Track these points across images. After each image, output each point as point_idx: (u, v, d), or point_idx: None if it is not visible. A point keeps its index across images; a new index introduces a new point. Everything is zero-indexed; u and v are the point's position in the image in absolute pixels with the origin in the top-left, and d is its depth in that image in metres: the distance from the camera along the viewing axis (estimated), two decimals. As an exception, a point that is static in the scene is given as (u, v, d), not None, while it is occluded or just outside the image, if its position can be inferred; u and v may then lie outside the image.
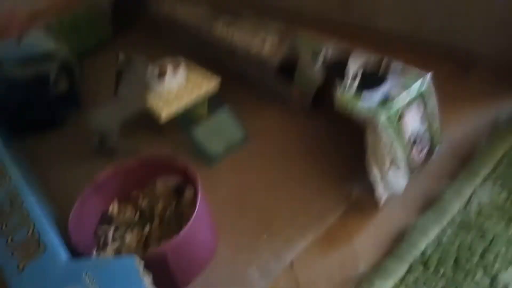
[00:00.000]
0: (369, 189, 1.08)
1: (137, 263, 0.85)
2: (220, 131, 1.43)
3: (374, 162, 1.03)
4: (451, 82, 1.35)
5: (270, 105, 1.53)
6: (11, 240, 1.00)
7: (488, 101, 1.30)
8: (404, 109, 1.01)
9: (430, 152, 1.14)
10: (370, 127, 0.99)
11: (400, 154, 1.04)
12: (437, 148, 1.17)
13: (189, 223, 0.97)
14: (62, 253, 0.92)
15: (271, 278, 1.04)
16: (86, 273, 0.85)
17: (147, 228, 1.14)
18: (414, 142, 1.08)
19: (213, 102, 1.45)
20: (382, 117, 0.98)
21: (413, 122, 1.06)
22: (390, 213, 1.10)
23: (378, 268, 0.96)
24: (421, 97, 1.05)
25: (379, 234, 1.06)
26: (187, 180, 1.18)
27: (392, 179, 1.05)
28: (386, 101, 1.01)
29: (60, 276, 0.86)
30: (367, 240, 1.05)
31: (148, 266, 0.87)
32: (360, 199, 1.12)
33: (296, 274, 1.03)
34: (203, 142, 1.40)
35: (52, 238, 0.96)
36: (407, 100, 1.01)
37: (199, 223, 1.04)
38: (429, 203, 1.07)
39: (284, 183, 1.26)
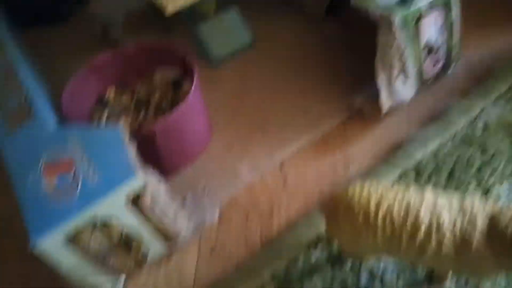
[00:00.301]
0: (375, 99, 1.04)
1: (123, 133, 0.84)
2: (226, 32, 1.36)
3: (382, 66, 0.98)
4: (480, 1, 1.25)
5: (282, 10, 1.46)
6: (4, 106, 1.00)
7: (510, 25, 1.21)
8: (424, 12, 0.94)
9: (445, 67, 1.09)
10: (383, 26, 0.93)
11: (411, 61, 0.99)
12: (453, 65, 1.11)
13: (181, 106, 0.95)
14: (51, 121, 0.91)
15: (259, 174, 1.03)
16: (73, 139, 0.84)
17: (141, 115, 1.13)
18: (429, 51, 1.02)
19: (222, 0, 1.37)
20: (398, 16, 0.91)
21: (431, 30, 0.99)
22: (392, 124, 1.06)
23: (369, 172, 0.95)
24: (445, 4, 0.97)
25: (377, 143, 1.03)
26: (187, 74, 1.14)
27: (399, 87, 1.00)
28: (406, 0, 0.93)
29: (48, 140, 0.87)
30: (363, 148, 1.03)
31: (138, 146, 0.86)
32: (363, 109, 1.08)
33: (285, 173, 1.03)
34: (207, 40, 1.34)
35: (43, 107, 0.96)
36: (428, 1, 0.94)
37: (192, 111, 1.02)
38: (435, 118, 1.03)
39: (287, 89, 1.22)
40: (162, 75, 1.21)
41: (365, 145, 1.04)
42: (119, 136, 0.84)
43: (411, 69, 1.01)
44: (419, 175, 0.91)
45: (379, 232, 0.61)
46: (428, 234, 0.59)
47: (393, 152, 0.98)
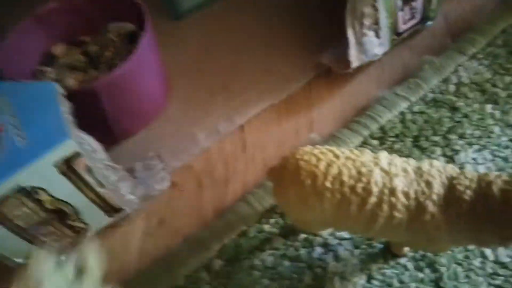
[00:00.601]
0: (344, 56, 0.94)
1: (57, 89, 0.75)
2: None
3: (352, 16, 0.88)
4: None
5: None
6: None
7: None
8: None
9: (422, 21, 0.99)
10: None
11: (384, 11, 0.89)
12: (429, 23, 1.01)
13: (128, 61, 0.86)
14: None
15: (218, 139, 0.96)
16: (1, 96, 0.76)
17: (91, 73, 1.03)
18: (405, 2, 0.92)
19: None
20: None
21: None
22: (362, 83, 0.98)
23: (333, 136, 0.88)
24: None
25: (344, 104, 0.96)
26: (143, 29, 1.04)
27: (370, 41, 0.91)
28: None
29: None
30: (330, 110, 0.96)
31: (80, 106, 0.78)
32: (331, 67, 0.99)
33: (244, 136, 0.95)
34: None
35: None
36: None
37: (143, 68, 0.93)
38: (408, 77, 0.95)
39: (254, 47, 1.12)
40: (117, 29, 1.10)
41: (332, 107, 0.96)
42: (54, 94, 0.76)
43: (384, 20, 0.92)
44: (383, 140, 0.84)
45: (327, 197, 0.55)
46: (380, 199, 0.53)
47: (359, 115, 0.90)
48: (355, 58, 0.92)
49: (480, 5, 1.06)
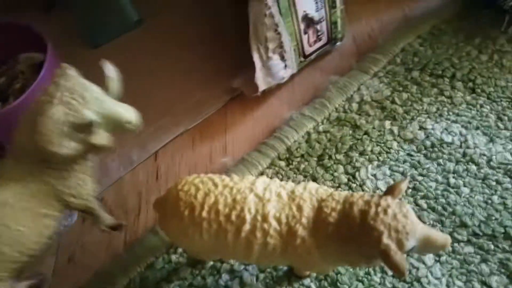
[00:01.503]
0: (253, 82, 0.96)
1: None
2: (109, 9, 1.23)
3: (256, 41, 0.90)
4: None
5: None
6: None
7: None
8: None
9: (329, 42, 1.02)
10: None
11: (288, 35, 0.91)
12: (338, 43, 1.05)
13: (26, 93, 0.84)
14: None
15: (131, 168, 0.94)
16: None
17: (0, 105, 0.99)
18: (309, 25, 0.95)
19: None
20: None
21: (307, 2, 0.92)
22: (273, 105, 1.00)
23: (244, 159, 0.88)
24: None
25: (256, 127, 0.97)
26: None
27: (276, 64, 0.93)
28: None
29: None
30: (243, 133, 0.96)
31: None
32: (243, 90, 1.00)
33: (158, 164, 0.94)
34: (83, 19, 1.21)
35: None
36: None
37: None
38: (317, 97, 0.97)
39: (170, 71, 1.12)
40: (26, 60, 1.07)
41: (245, 130, 0.97)
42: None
43: (289, 44, 0.94)
44: (290, 161, 0.85)
45: (204, 227, 0.55)
46: (254, 225, 0.53)
47: (268, 137, 0.91)
48: (262, 81, 0.93)
49: (386, 23, 1.11)
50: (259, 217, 0.53)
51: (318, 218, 0.52)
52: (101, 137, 0.55)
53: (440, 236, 0.49)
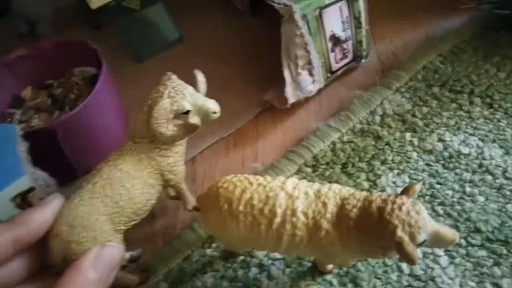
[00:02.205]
0: (283, 95, 1.04)
1: (17, 131, 0.83)
2: (152, 26, 1.36)
3: (287, 58, 0.99)
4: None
5: (210, 4, 1.45)
6: None
7: (423, 18, 1.23)
8: (327, 3, 0.95)
9: (355, 60, 1.10)
10: (286, 17, 0.93)
11: (316, 53, 0.99)
12: (363, 61, 1.13)
13: (84, 102, 0.95)
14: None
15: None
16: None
17: (55, 114, 1.12)
18: (335, 43, 1.03)
19: (147, -6, 1.36)
20: (299, 6, 0.92)
21: (335, 21, 1.00)
22: (302, 117, 1.08)
23: (273, 165, 0.96)
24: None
25: (285, 137, 1.05)
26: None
27: (304, 80, 1.01)
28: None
29: None
30: (273, 142, 1.05)
31: (39, 144, 0.86)
32: (273, 103, 1.09)
33: (195, 168, 1.03)
34: (131, 35, 1.33)
35: None
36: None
37: (99, 107, 1.01)
38: (342, 110, 1.04)
39: (208, 84, 1.16)
40: (80, 74, 1.20)
41: (275, 139, 1.05)
42: (13, 134, 0.84)
43: (317, 61, 1.02)
44: (316, 168, 0.93)
45: (241, 219, 0.63)
46: (284, 219, 0.61)
47: (296, 145, 0.99)
48: (291, 95, 1.02)
49: (409, 41, 1.18)
50: (288, 212, 0.60)
51: (341, 213, 0.59)
52: (194, 119, 0.73)
53: (449, 232, 0.55)
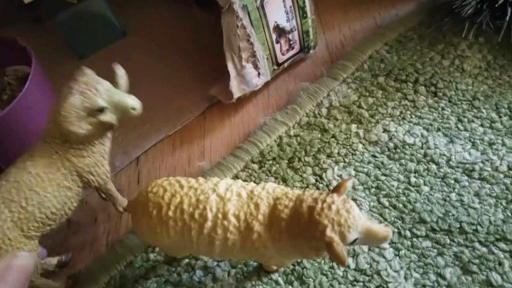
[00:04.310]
0: (228, 89, 1.01)
1: None
2: (93, 22, 1.29)
3: (230, 51, 0.95)
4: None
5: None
6: None
7: (372, 6, 1.22)
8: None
9: (301, 54, 1.08)
10: (226, 8, 0.89)
11: (260, 45, 0.96)
12: (311, 51, 1.11)
13: (16, 100, 0.89)
14: None
15: (114, 173, 0.99)
16: None
17: (-12, 116, 1.04)
18: (280, 34, 1.00)
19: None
20: (237, -3, 0.88)
21: (279, 11, 0.97)
22: (249, 113, 1.05)
23: (220, 163, 0.93)
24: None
25: (232, 133, 1.02)
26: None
27: (248, 75, 0.98)
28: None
29: None
30: (220, 138, 1.02)
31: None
32: (220, 97, 1.05)
33: (139, 169, 0.99)
34: (69, 30, 1.26)
35: None
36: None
37: (33, 106, 0.95)
38: (290, 103, 1.02)
39: (152, 82, 1.17)
40: (14, 72, 1.12)
41: (222, 135, 1.02)
42: None
43: (261, 53, 0.99)
44: (262, 163, 0.90)
45: (171, 225, 0.60)
46: (215, 223, 0.58)
47: (243, 141, 0.97)
48: (236, 89, 0.99)
49: (358, 30, 1.17)
50: (220, 215, 0.58)
51: (273, 214, 0.56)
52: (107, 116, 0.69)
53: (381, 229, 0.54)
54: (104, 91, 0.68)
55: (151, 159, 1.01)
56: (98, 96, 0.67)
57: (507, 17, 0.94)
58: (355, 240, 0.53)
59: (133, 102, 0.72)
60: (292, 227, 0.55)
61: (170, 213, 0.59)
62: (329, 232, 0.51)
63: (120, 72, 0.74)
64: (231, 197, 0.59)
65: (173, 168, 0.98)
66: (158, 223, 0.60)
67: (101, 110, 0.68)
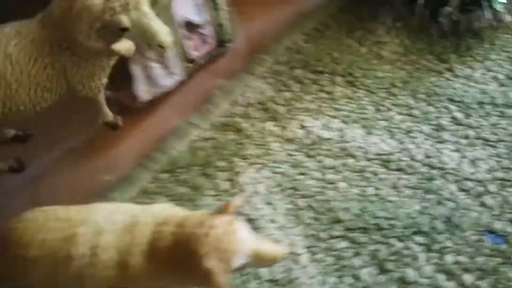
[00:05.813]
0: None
1: None
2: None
3: (135, 55, 0.87)
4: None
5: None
6: None
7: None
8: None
9: (219, 48, 1.01)
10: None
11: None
12: (228, 45, 1.04)
13: None
14: None
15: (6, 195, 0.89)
16: None
17: None
18: (190, 30, 0.93)
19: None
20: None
21: (187, 6, 0.90)
22: (164, 116, 0.97)
23: (127, 176, 0.85)
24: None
25: (143, 140, 0.93)
26: None
27: (157, 76, 0.90)
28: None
29: None
30: (131, 147, 0.93)
31: None
32: (128, 103, 0.97)
33: (38, 190, 0.89)
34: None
35: None
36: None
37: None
38: (206, 103, 0.95)
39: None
40: None
41: (133, 144, 0.94)
42: None
43: (170, 52, 0.91)
44: (173, 172, 0.83)
45: (30, 266, 0.52)
46: (82, 261, 0.51)
47: (153, 149, 0.89)
48: (144, 92, 0.91)
49: (276, 25, 1.10)
50: (90, 251, 0.50)
51: (154, 243, 0.50)
52: (122, 45, 0.62)
53: (270, 251, 0.49)
54: (134, 10, 0.56)
55: (51, 177, 0.90)
56: (124, 13, 0.55)
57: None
58: (243, 265, 0.47)
59: (163, 37, 0.60)
60: (172, 257, 0.48)
61: (33, 252, 0.51)
62: (207, 262, 0.45)
63: None
64: (106, 227, 0.51)
65: (75, 186, 0.88)
66: (19, 264, 0.52)
67: (123, 30, 0.57)
